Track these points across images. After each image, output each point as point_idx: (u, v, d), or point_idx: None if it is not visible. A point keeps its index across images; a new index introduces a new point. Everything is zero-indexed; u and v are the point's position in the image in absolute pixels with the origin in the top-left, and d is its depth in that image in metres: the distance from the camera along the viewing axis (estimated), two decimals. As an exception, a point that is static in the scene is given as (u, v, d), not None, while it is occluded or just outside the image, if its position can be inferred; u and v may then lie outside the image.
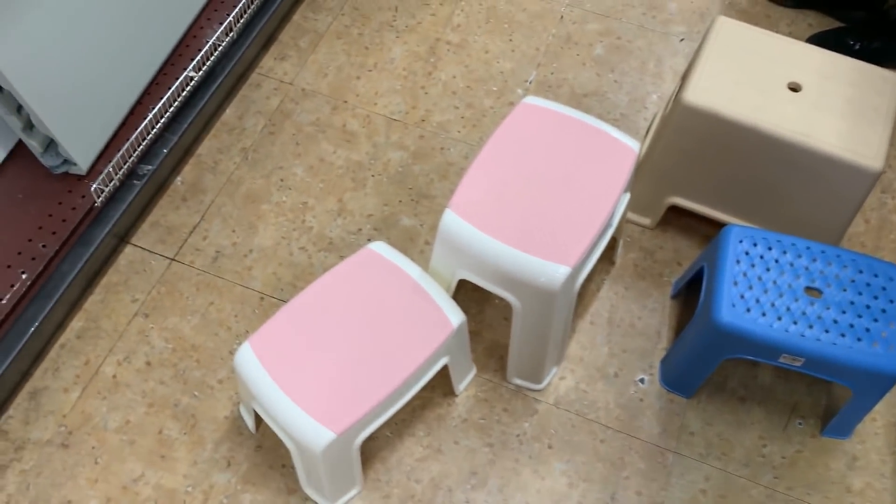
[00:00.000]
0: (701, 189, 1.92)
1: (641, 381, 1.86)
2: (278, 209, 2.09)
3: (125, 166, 1.89)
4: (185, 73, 1.98)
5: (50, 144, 1.86)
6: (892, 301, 1.63)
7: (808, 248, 1.69)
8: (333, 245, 2.03)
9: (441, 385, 1.83)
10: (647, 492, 1.72)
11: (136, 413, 1.79)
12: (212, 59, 2.12)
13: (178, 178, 2.13)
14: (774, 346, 1.60)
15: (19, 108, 1.77)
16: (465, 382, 1.83)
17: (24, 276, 1.77)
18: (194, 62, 2.05)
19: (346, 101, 2.29)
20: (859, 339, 1.58)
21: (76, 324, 1.90)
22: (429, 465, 1.74)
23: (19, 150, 1.91)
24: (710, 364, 1.73)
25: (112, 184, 1.86)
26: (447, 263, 1.65)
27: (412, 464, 1.74)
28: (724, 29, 1.88)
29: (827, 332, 1.59)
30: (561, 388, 1.84)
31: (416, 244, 2.04)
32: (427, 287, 1.63)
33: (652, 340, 1.91)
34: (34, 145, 1.82)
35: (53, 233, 1.82)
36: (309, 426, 1.47)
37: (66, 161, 1.86)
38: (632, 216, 2.07)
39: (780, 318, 1.60)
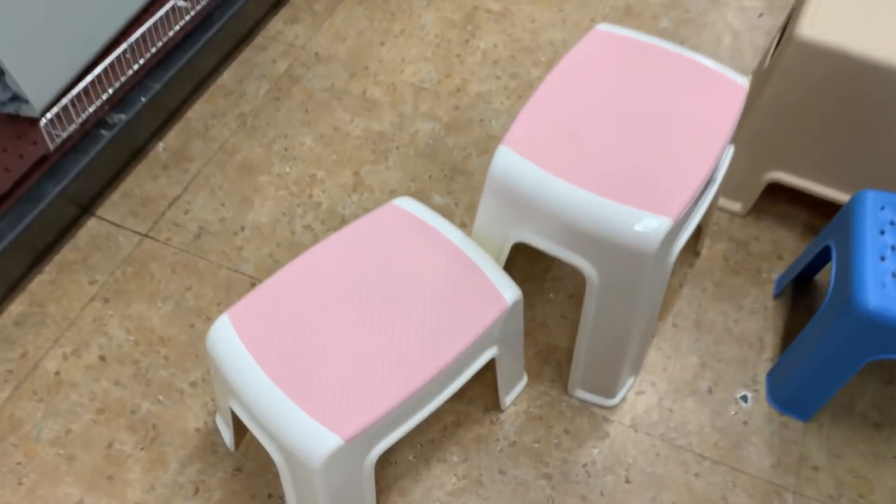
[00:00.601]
0: (813, 159, 1.52)
1: (744, 398, 1.42)
2: (279, 181, 1.70)
3: (90, 109, 1.51)
4: (174, 2, 1.61)
5: (-3, 77, 1.49)
6: None
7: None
8: (346, 223, 1.62)
9: (482, 396, 1.40)
10: (761, 545, 1.27)
11: (80, 421, 1.36)
12: None
13: (161, 145, 1.75)
14: (945, 342, 1.17)
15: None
16: (515, 393, 1.40)
17: (-51, 240, 1.38)
18: None
19: (367, 68, 1.92)
20: None
21: (15, 307, 1.49)
22: (465, 502, 1.30)
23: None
24: (843, 373, 1.30)
25: (72, 128, 1.48)
26: (498, 222, 1.25)
27: (443, 499, 1.30)
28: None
29: None
30: (639, 406, 1.41)
31: (449, 227, 1.64)
32: (470, 253, 1.23)
33: (753, 349, 1.48)
34: (-24, 76, 1.45)
35: (-7, 187, 1.44)
36: (305, 429, 1.04)
37: (16, 97, 1.48)
38: (720, 201, 1.66)
39: (950, 305, 1.18)
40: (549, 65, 1.94)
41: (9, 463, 1.31)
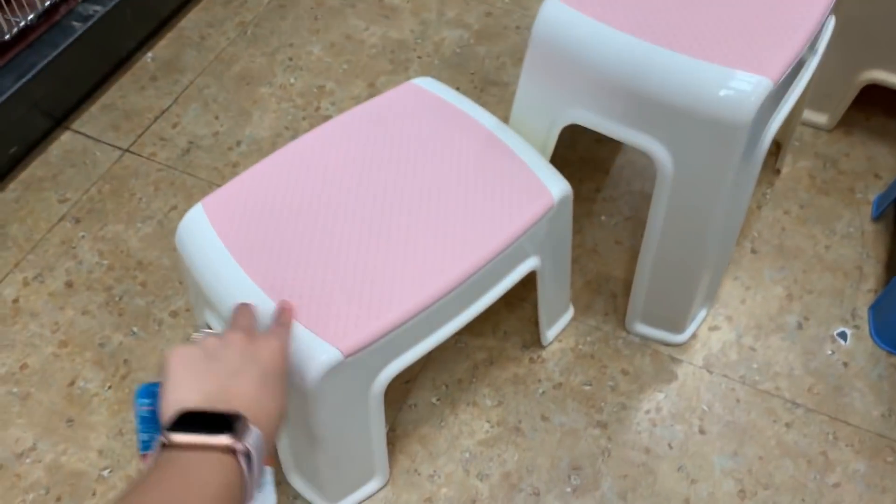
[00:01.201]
0: (922, 52, 1.26)
1: (842, 335, 1.16)
2: (283, 93, 1.46)
3: (58, -5, 1.29)
4: None
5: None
6: None
7: None
8: (360, 137, 1.39)
9: (519, 331, 1.16)
10: (874, 512, 1.01)
11: (38, 354, 1.14)
12: None
13: (149, 54, 1.53)
14: None
15: None
16: (559, 327, 1.15)
17: None
18: None
19: (385, -26, 1.68)
20: None
21: (-30, 227, 1.28)
22: (500, 453, 1.05)
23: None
24: (977, 296, 1.03)
25: (34, 14, 1.25)
26: (544, 100, 1.00)
27: (472, 448, 1.06)
28: None
29: None
30: (713, 343, 1.15)
31: (480, 143, 1.39)
32: (508, 140, 0.98)
33: (851, 278, 1.21)
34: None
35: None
36: (297, 342, 0.80)
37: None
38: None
39: None
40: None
41: (-50, 401, 1.10)
